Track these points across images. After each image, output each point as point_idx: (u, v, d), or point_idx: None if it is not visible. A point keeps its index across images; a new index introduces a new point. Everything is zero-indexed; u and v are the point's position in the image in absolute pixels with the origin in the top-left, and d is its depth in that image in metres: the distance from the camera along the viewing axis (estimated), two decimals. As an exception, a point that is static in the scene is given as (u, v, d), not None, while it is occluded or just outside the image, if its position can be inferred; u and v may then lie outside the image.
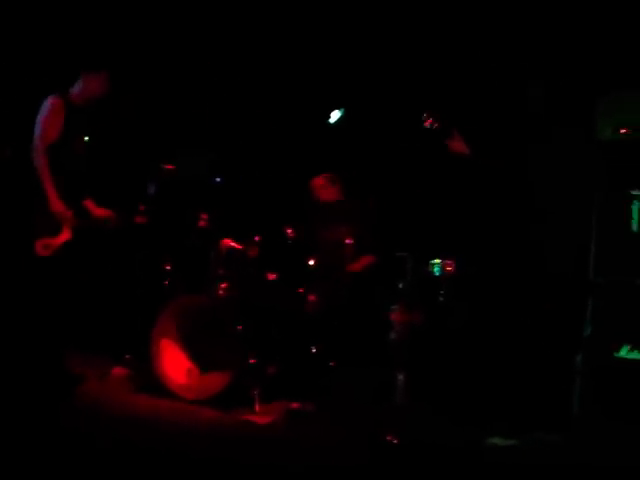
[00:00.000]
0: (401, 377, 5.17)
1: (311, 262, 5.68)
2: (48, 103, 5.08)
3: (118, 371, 5.43)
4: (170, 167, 5.78)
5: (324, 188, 6.23)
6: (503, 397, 4.81)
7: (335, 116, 6.10)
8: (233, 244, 5.56)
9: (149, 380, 5.14)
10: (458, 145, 5.17)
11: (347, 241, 5.65)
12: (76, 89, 5.21)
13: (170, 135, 6.57)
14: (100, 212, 5.33)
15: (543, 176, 4.98)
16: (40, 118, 5.06)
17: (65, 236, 4.99)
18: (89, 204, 5.32)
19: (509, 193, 5.12)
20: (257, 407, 4.94)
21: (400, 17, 6.12)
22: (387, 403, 5.04)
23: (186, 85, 6.70)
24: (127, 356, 5.50)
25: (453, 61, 5.89)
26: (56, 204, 4.97)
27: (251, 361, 5.07)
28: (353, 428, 4.72)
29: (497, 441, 4.45)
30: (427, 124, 5.09)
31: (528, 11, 5.39)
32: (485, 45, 5.70)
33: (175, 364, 5.10)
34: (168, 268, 5.67)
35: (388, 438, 4.45)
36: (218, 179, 6.11)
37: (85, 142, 5.21)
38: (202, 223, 5.64)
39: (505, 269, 5.19)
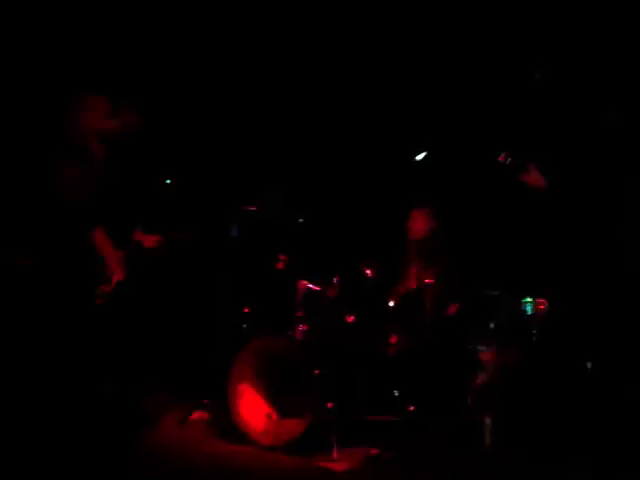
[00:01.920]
0: (488, 421, 4.98)
1: (391, 303, 5.54)
2: None
3: (197, 415, 5.36)
4: (251, 208, 5.76)
5: (414, 223, 6.05)
6: (593, 438, 4.53)
7: (421, 155, 6.03)
8: (311, 285, 5.47)
9: (226, 425, 5.05)
10: (534, 178, 4.95)
11: (427, 281, 5.51)
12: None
13: (248, 174, 6.57)
14: (150, 241, 5.06)
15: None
16: None
17: (116, 277, 4.78)
18: (138, 235, 5.03)
19: (600, 228, 4.87)
20: (335, 453, 4.79)
21: (478, 58, 6.08)
22: (471, 449, 4.83)
23: (264, 120, 6.71)
24: (205, 400, 5.43)
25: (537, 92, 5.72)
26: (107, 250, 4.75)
27: (329, 405, 4.94)
28: (435, 476, 4.52)
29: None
30: (501, 159, 4.93)
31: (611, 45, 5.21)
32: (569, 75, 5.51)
33: (253, 409, 5.00)
34: (246, 311, 5.61)
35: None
36: (301, 220, 6.05)
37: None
38: (280, 264, 5.59)
39: (600, 309, 4.92)
